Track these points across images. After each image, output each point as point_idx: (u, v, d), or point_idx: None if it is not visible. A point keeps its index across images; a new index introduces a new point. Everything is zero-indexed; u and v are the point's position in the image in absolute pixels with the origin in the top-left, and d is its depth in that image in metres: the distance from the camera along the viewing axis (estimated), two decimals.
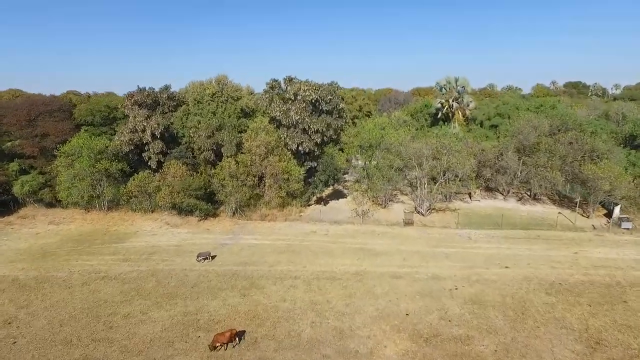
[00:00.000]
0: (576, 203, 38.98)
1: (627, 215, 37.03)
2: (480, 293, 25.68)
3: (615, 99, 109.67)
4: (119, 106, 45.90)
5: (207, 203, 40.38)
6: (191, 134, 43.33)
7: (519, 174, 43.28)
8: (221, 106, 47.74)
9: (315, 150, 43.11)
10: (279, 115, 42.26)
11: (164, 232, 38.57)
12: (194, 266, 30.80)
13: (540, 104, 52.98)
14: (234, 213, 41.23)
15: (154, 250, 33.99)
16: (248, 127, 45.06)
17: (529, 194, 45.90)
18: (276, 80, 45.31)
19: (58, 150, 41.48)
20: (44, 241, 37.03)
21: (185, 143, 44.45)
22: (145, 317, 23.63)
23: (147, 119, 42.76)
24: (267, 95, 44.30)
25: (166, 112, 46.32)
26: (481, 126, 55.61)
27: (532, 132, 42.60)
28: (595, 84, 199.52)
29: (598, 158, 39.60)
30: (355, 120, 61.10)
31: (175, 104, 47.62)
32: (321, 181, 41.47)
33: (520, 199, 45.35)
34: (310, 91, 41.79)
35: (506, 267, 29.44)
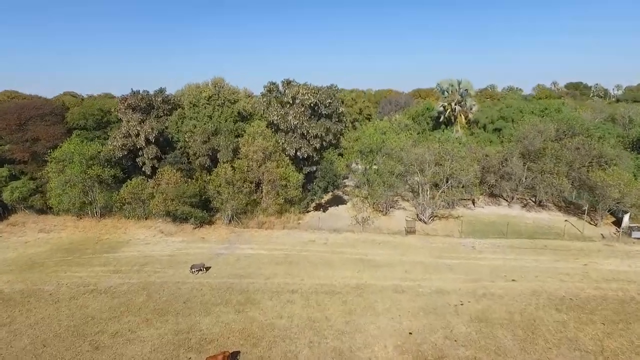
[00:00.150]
0: (584, 211, 37.71)
1: (638, 224, 35.74)
2: (487, 309, 24.40)
3: (618, 100, 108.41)
4: (113, 110, 44.59)
5: (203, 210, 39.12)
6: (186, 139, 42.04)
7: (524, 179, 41.98)
8: (217, 110, 46.44)
9: (314, 155, 41.82)
10: (276, 120, 40.98)
11: (157, 240, 37.29)
12: (188, 278, 29.53)
13: (545, 107, 51.71)
14: (230, 220, 39.96)
15: (146, 261, 32.70)
16: (245, 132, 43.78)
17: (533, 200, 44.63)
18: (274, 83, 44.04)
19: (49, 155, 40.16)
20: (33, 250, 35.77)
21: (181, 148, 43.15)
22: (134, 336, 22.35)
23: (141, 123, 41.47)
24: (264, 99, 43.01)
25: (161, 116, 45.02)
26: (484, 129, 54.35)
27: (538, 136, 41.32)
28: (597, 84, 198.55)
29: (606, 164, 38.34)
30: (356, 124, 59.82)
31: (170, 107, 46.32)
32: (320, 188, 40.21)
33: (525, 206, 44.06)
34: (309, 95, 40.51)
35: (513, 280, 28.17)
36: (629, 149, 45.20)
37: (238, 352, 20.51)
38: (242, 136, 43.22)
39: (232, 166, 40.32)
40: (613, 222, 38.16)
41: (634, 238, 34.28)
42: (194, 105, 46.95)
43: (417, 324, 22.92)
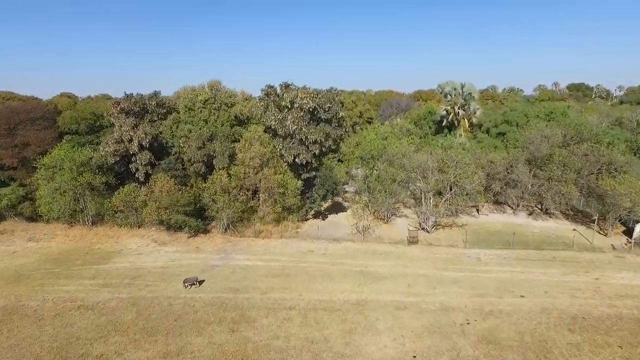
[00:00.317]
0: (593, 219, 36.35)
1: None
2: (495, 329, 23.04)
3: (622, 102, 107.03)
4: (105, 114, 43.21)
5: (198, 219, 37.73)
6: (181, 144, 40.67)
7: (530, 187, 40.59)
8: (214, 113, 45.09)
9: (313, 161, 40.43)
10: (274, 125, 39.60)
11: (150, 250, 35.89)
12: (180, 293, 28.16)
13: (550, 111, 50.35)
14: (226, 229, 38.59)
15: (137, 274, 31.32)
16: (242, 136, 42.43)
17: (539, 207, 43.26)
18: (272, 87, 42.66)
19: (38, 161, 38.80)
20: (20, 261, 34.33)
21: (175, 154, 41.78)
22: (120, 359, 20.99)
23: (134, 128, 40.09)
24: (262, 103, 41.63)
25: (155, 120, 43.67)
26: (487, 133, 52.99)
27: (544, 142, 39.96)
28: (598, 85, 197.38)
29: (616, 171, 36.98)
30: (356, 127, 58.45)
31: (165, 111, 44.95)
32: (319, 196, 38.83)
33: (531, 214, 42.68)
34: (308, 99, 39.12)
35: (521, 295, 26.80)
36: (638, 155, 43.83)
37: None
38: (239, 141, 41.91)
39: (228, 173, 38.97)
40: (623, 232, 36.79)
41: None
42: (189, 109, 45.59)
43: (421, 346, 21.57)
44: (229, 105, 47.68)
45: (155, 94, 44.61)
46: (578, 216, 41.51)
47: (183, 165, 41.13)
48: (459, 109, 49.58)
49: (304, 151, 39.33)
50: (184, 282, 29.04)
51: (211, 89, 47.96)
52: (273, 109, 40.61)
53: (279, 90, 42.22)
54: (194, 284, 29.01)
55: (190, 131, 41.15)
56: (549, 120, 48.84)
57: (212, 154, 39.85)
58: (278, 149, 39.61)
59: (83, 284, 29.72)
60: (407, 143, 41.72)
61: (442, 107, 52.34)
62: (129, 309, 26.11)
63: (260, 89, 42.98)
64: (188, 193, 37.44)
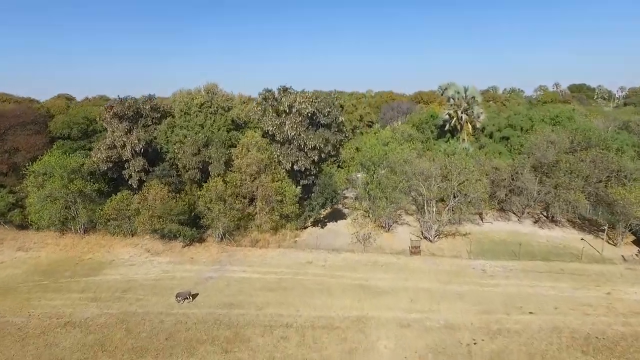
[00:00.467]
0: (601, 228, 35.09)
1: None
2: (504, 350, 21.79)
3: (625, 104, 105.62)
4: (98, 119, 41.89)
5: (192, 228, 36.43)
6: (176, 150, 39.39)
7: (536, 194, 39.31)
8: (210, 118, 43.77)
9: (312, 168, 39.14)
10: (272, 130, 38.31)
11: (142, 261, 34.60)
12: (172, 308, 26.92)
13: (556, 115, 49.08)
14: (222, 238, 37.31)
15: (128, 286, 30.05)
16: (239, 141, 41.16)
17: (545, 214, 41.97)
18: (270, 91, 41.38)
19: (27, 168, 37.50)
20: (7, 273, 33.05)
21: (170, 159, 40.50)
22: None
23: (127, 134, 38.81)
24: (259, 108, 40.34)
25: (149, 125, 42.36)
26: (490, 138, 51.69)
27: (551, 148, 38.67)
28: (600, 86, 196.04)
29: (625, 178, 35.69)
30: (356, 131, 57.17)
31: (159, 115, 43.65)
32: (318, 204, 37.54)
33: (536, 221, 41.35)
34: (307, 103, 37.82)
35: (530, 312, 25.53)
36: None
37: None
38: (236, 146, 40.65)
39: (223, 180, 37.71)
40: (633, 242, 35.51)
41: None
42: (185, 113, 44.30)
43: None
44: (226, 109, 46.39)
45: (150, 98, 43.33)
46: (585, 224, 40.18)
47: (178, 171, 39.84)
48: (462, 113, 48.28)
49: (302, 157, 38.05)
50: (177, 296, 27.80)
51: (207, 92, 46.64)
52: (271, 113, 39.34)
53: (277, 95, 40.93)
54: (187, 299, 27.76)
55: (186, 136, 39.88)
56: (555, 125, 47.56)
57: (207, 160, 38.57)
58: (276, 156, 38.33)
59: (71, 298, 28.46)
60: (409, 149, 40.41)
61: (444, 111, 51.05)
62: (118, 327, 24.89)
63: (258, 93, 41.82)
64: (182, 201, 36.16)
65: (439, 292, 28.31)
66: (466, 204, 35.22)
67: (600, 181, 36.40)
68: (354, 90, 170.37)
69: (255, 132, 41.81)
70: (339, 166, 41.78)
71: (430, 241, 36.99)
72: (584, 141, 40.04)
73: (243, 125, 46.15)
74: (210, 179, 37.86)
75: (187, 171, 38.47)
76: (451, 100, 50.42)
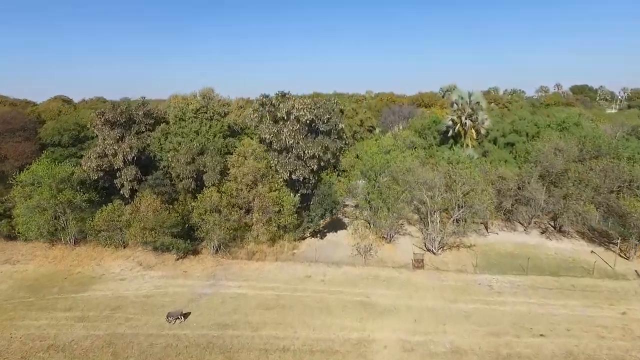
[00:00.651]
0: (611, 239, 33.67)
1: None
2: None
3: (629, 106, 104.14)
4: (89, 125, 40.44)
5: (186, 240, 35.00)
6: (169, 159, 37.94)
7: (542, 203, 37.87)
8: (206, 124, 42.31)
9: (311, 177, 37.69)
10: (269, 138, 36.89)
11: (134, 275, 33.14)
12: (163, 329, 25.46)
13: (562, 120, 47.66)
14: (217, 250, 35.88)
15: (118, 304, 28.61)
16: (235, 149, 39.75)
17: (552, 224, 40.53)
18: (267, 96, 39.96)
19: (14, 178, 36.04)
20: None
21: (164, 168, 39.05)
22: None
23: (118, 142, 37.37)
24: (255, 115, 38.90)
25: (143, 132, 40.91)
26: (494, 143, 50.24)
27: (559, 156, 37.24)
28: (602, 87, 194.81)
29: (638, 189, 34.25)
30: (357, 135, 55.73)
31: (153, 121, 42.20)
32: (317, 215, 36.10)
33: (544, 232, 39.91)
34: (305, 110, 36.37)
35: (541, 334, 24.08)
36: None
37: None
38: (232, 153, 39.24)
39: (219, 189, 36.29)
40: None
41: None
42: (180, 119, 42.86)
43: None
44: (222, 114, 44.97)
45: (143, 103, 41.91)
46: (595, 235, 38.73)
47: (172, 180, 38.39)
48: (466, 119, 46.85)
49: (301, 167, 36.62)
50: (168, 316, 26.36)
51: (203, 98, 45.22)
52: (268, 120, 37.91)
53: (274, 100, 39.48)
54: (179, 318, 26.32)
55: (180, 144, 38.44)
56: (561, 131, 46.13)
57: (202, 169, 37.13)
58: (273, 165, 36.89)
59: (57, 318, 26.99)
60: (412, 157, 38.96)
61: (448, 117, 49.63)
62: (104, 350, 23.44)
63: (255, 99, 40.34)
64: (176, 212, 34.71)
65: (444, 311, 26.88)
66: (471, 216, 33.75)
67: (612, 191, 34.95)
68: (354, 92, 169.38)
69: (252, 139, 40.41)
70: (338, 174, 40.28)
71: (434, 253, 35.58)
72: (594, 149, 38.61)
73: (240, 131, 44.71)
74: (205, 188, 36.42)
75: (180, 180, 37.01)
76: (455, 105, 49.00)
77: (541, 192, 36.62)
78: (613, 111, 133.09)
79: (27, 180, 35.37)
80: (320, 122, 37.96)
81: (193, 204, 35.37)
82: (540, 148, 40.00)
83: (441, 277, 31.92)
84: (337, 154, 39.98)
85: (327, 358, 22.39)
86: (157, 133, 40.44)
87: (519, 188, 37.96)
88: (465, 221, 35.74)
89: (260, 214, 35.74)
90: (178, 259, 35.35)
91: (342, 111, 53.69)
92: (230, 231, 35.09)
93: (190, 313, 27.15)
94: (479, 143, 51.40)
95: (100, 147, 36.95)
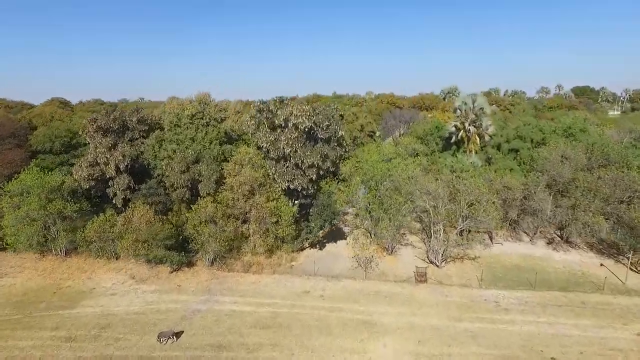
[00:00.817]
0: (625, 255, 32.35)
1: None
2: None
3: (633, 109, 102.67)
4: (81, 132, 39.15)
5: (181, 252, 33.74)
6: (163, 167, 36.66)
7: (549, 213, 36.61)
8: (202, 130, 41.02)
9: (310, 187, 36.41)
10: (266, 146, 35.62)
11: (126, 290, 31.87)
12: (154, 350, 24.22)
13: (568, 126, 46.35)
14: (212, 262, 34.60)
15: (108, 322, 27.34)
16: (232, 156, 38.49)
17: (559, 234, 39.26)
18: (264, 103, 38.69)
19: (2, 188, 34.76)
20: None
21: (158, 176, 37.76)
22: None
23: (110, 150, 36.08)
24: (252, 121, 37.60)
25: (136, 138, 39.63)
26: (498, 149, 48.96)
27: (566, 164, 35.97)
28: (603, 88, 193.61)
29: None
30: (357, 140, 54.45)
31: (147, 128, 40.90)
32: (316, 226, 34.83)
33: (550, 242, 38.61)
34: (304, 117, 35.08)
35: (552, 358, 22.81)
36: None
37: None
38: (229, 160, 37.98)
39: (214, 199, 35.05)
40: None
41: None
42: (175, 125, 41.55)
43: None
44: (219, 120, 43.67)
45: (137, 110, 40.61)
46: (603, 246, 37.43)
47: (166, 190, 37.11)
48: (469, 125, 45.53)
49: (299, 176, 35.33)
50: (159, 336, 25.08)
51: (199, 103, 43.91)
52: (265, 127, 36.62)
53: (272, 106, 38.20)
54: (171, 338, 25.07)
55: (175, 152, 37.16)
56: (567, 137, 44.84)
57: (197, 178, 35.86)
58: (271, 174, 35.61)
59: (42, 338, 25.72)
60: (414, 165, 37.64)
61: (451, 123, 48.30)
62: None
63: (253, 105, 39.08)
64: (169, 224, 33.45)
65: (449, 332, 25.59)
66: (476, 228, 32.47)
67: (622, 202, 33.67)
68: (354, 93, 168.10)
69: (249, 146, 39.13)
70: (338, 182, 38.97)
71: (437, 266, 34.31)
72: (602, 157, 37.34)
73: (237, 138, 43.42)
74: (200, 198, 35.16)
75: (175, 190, 35.72)
76: (458, 111, 47.69)
77: (548, 202, 35.34)
78: (616, 113, 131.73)
79: (15, 190, 34.07)
80: (320, 129, 36.69)
81: (187, 214, 34.09)
82: (546, 156, 38.73)
83: (445, 292, 30.64)
84: (337, 161, 38.71)
85: None
86: (151, 140, 39.16)
87: (524, 198, 36.67)
88: (469, 232, 34.53)
89: (258, 224, 34.48)
90: (172, 272, 34.09)
91: (342, 116, 52.37)
92: (226, 243, 33.82)
93: (182, 332, 25.91)
94: (481, 148, 50.15)
95: (92, 155, 35.68)
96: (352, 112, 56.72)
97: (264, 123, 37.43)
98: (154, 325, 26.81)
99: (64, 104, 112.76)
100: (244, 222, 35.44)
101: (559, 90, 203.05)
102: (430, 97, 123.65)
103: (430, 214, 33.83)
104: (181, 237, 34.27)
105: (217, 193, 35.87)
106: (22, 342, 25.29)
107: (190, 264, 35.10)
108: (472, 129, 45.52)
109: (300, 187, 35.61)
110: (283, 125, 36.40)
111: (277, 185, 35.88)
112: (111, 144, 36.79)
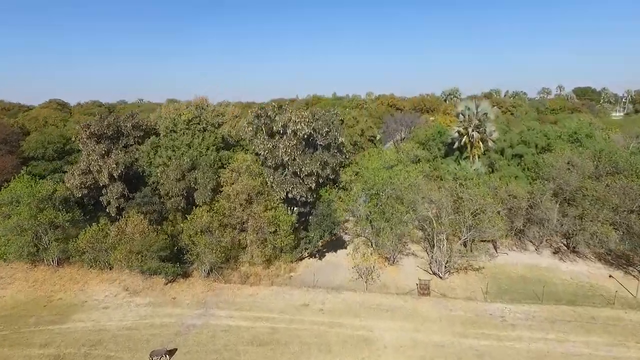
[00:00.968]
0: (637, 267, 31.29)
1: None
2: None
3: (637, 110, 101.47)
4: (74, 138, 38.12)
5: (176, 263, 32.72)
6: (158, 174, 35.63)
7: (556, 222, 35.56)
8: (198, 136, 39.99)
9: (309, 196, 35.36)
10: (264, 154, 34.59)
11: (119, 303, 30.83)
12: None
13: (574, 132, 45.33)
14: (208, 273, 33.58)
15: (99, 338, 26.32)
16: (229, 163, 37.46)
17: (565, 244, 38.20)
18: (262, 108, 37.64)
19: None
20: None
21: (153, 184, 36.74)
22: None
23: (104, 157, 35.06)
24: (250, 128, 36.56)
25: (131, 145, 38.61)
26: (502, 154, 47.90)
27: (573, 172, 34.93)
28: (605, 89, 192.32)
29: None
30: (357, 145, 53.39)
31: (142, 134, 39.87)
32: (315, 236, 33.80)
33: (556, 252, 37.54)
34: (303, 124, 34.04)
35: None
36: None
37: None
38: (226, 167, 36.96)
39: (211, 207, 34.01)
40: None
41: None
42: (171, 131, 40.53)
43: None
44: (216, 125, 42.65)
45: (132, 115, 39.58)
46: (612, 257, 36.37)
47: (161, 198, 36.07)
48: (472, 130, 44.51)
49: (298, 185, 34.28)
50: (151, 355, 24.04)
51: (196, 107, 42.89)
52: (263, 134, 35.58)
53: (270, 112, 37.16)
54: (164, 357, 24.05)
55: (170, 158, 36.13)
56: (573, 142, 43.80)
57: (193, 186, 34.82)
58: (269, 183, 34.56)
59: (30, 356, 24.69)
60: (415, 172, 36.60)
61: (454, 128, 47.29)
62: None
63: (250, 110, 38.04)
64: (164, 234, 32.42)
65: (454, 349, 24.54)
66: (480, 238, 31.42)
67: (632, 211, 32.59)
68: (355, 94, 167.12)
69: (247, 152, 38.10)
70: (338, 190, 37.92)
71: (440, 278, 33.26)
72: (610, 165, 36.30)
73: (235, 143, 42.38)
74: (196, 207, 34.12)
75: (170, 198, 34.69)
76: (461, 116, 46.67)
77: (554, 211, 34.29)
78: (619, 114, 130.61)
79: (5, 199, 33.05)
80: (319, 136, 35.65)
81: (183, 224, 33.06)
82: (552, 162, 37.68)
83: (449, 305, 29.58)
84: (337, 169, 37.67)
85: None
86: (146, 146, 38.13)
87: (530, 207, 35.61)
88: (474, 241, 33.48)
89: (255, 234, 33.45)
90: (167, 283, 33.06)
91: (342, 121, 51.36)
92: (222, 254, 32.78)
93: (176, 350, 24.89)
94: (484, 152, 49.11)
95: (85, 162, 34.66)
96: (352, 116, 55.76)
97: (262, 129, 36.39)
98: (146, 342, 25.79)
99: (62, 105, 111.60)
100: (242, 231, 34.40)
101: (560, 91, 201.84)
102: (431, 99, 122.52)
103: (433, 223, 32.76)
104: (176, 248, 33.26)
105: (214, 202, 34.81)
106: None
107: (185, 275, 34.09)
108: (475, 134, 44.48)
109: (299, 196, 34.55)
110: (281, 131, 35.37)
111: (275, 194, 34.82)
112: (105, 150, 35.78)
